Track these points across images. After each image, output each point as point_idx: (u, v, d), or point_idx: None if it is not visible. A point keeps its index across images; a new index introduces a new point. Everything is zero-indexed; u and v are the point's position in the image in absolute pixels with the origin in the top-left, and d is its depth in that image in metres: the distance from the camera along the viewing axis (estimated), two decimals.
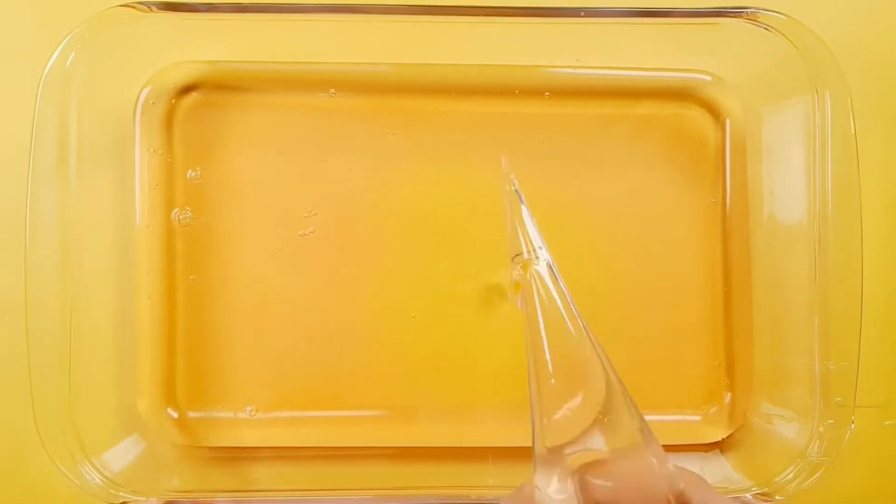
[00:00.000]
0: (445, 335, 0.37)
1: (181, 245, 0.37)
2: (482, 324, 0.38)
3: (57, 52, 0.33)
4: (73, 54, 0.33)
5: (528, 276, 0.25)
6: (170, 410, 0.37)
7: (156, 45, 0.36)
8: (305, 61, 0.37)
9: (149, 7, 0.33)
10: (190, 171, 0.37)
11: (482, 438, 0.37)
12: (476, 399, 0.38)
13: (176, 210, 0.37)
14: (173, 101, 0.37)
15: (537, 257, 0.27)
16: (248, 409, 0.37)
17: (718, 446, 0.37)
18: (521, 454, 0.37)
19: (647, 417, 0.38)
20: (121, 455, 0.35)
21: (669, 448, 0.37)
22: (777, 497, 0.34)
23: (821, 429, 0.34)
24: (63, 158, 0.33)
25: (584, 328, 0.22)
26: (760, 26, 0.34)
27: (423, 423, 0.37)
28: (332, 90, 0.37)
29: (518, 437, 0.38)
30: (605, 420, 0.21)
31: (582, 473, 0.20)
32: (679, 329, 0.38)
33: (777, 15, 0.34)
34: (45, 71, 0.33)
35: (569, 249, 0.38)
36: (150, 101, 0.37)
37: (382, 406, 0.38)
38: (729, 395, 0.38)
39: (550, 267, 0.26)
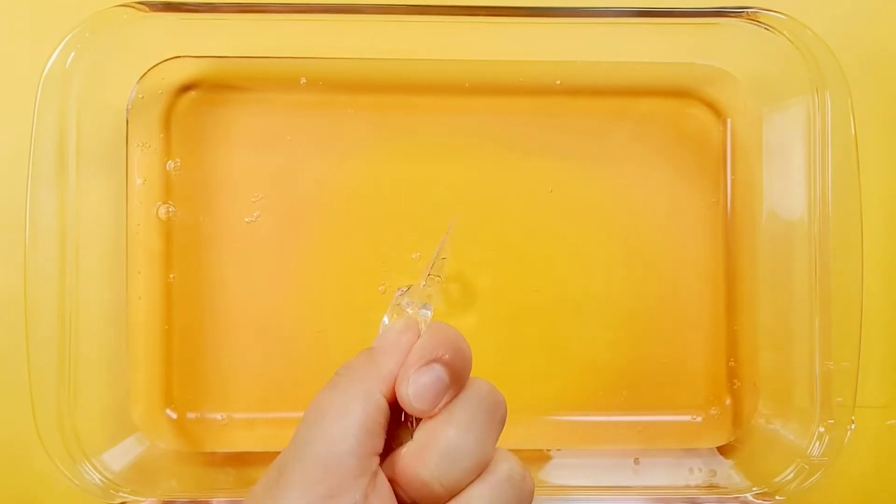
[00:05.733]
0: None
1: (165, 243, 0.37)
2: (483, 322, 0.38)
3: (56, 52, 0.33)
4: (72, 54, 0.33)
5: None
6: (168, 412, 0.37)
7: (155, 44, 0.36)
8: (300, 56, 0.37)
9: (147, 7, 0.33)
10: (170, 162, 0.37)
11: None
12: None
13: (159, 204, 0.37)
14: (162, 95, 0.37)
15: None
16: (247, 410, 0.37)
17: (719, 447, 0.37)
18: (522, 457, 0.37)
19: (647, 418, 0.38)
20: (120, 455, 0.35)
21: (670, 449, 0.37)
22: (777, 497, 0.34)
23: (821, 429, 0.34)
24: (63, 158, 0.33)
25: None
26: (761, 26, 0.34)
27: None
28: (306, 82, 0.37)
29: (516, 438, 0.38)
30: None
31: None
32: (680, 329, 0.38)
33: (778, 15, 0.34)
34: (45, 71, 0.33)
35: (569, 248, 0.38)
36: (140, 96, 0.37)
37: None
38: (730, 395, 0.38)
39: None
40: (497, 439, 0.24)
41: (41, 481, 0.36)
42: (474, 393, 0.24)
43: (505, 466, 0.23)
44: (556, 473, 0.37)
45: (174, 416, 0.37)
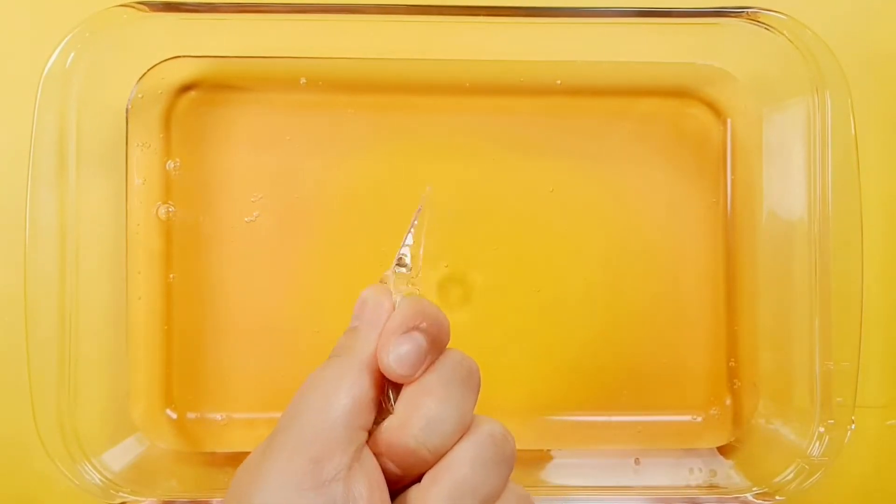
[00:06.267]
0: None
1: (165, 243, 0.37)
2: (483, 322, 0.38)
3: (57, 52, 0.33)
4: (72, 54, 0.33)
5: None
6: (168, 412, 0.37)
7: (155, 44, 0.36)
8: (300, 56, 0.37)
9: (147, 7, 0.33)
10: (170, 162, 0.37)
11: None
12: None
13: (159, 204, 0.37)
14: (162, 95, 0.37)
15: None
16: (247, 410, 0.37)
17: (719, 447, 0.37)
18: (521, 457, 0.37)
19: (647, 418, 0.38)
20: (120, 455, 0.35)
21: (670, 449, 0.37)
22: (777, 497, 0.34)
23: (821, 429, 0.34)
24: (63, 158, 0.33)
25: None
26: (761, 26, 0.34)
27: None
28: (306, 82, 0.37)
29: (516, 438, 0.38)
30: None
31: None
32: (680, 329, 0.38)
33: (778, 15, 0.34)
34: (45, 71, 0.33)
35: (569, 248, 0.38)
36: (140, 96, 0.37)
37: None
38: (730, 395, 0.38)
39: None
40: (474, 404, 0.25)
41: (41, 481, 0.36)
42: (448, 362, 0.25)
43: (486, 426, 0.25)
44: (556, 473, 0.37)
45: (174, 416, 0.37)
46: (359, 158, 0.38)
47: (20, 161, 0.33)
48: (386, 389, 0.26)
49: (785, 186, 0.36)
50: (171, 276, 0.37)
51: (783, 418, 0.36)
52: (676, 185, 0.38)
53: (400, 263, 0.28)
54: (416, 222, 0.29)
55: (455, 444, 0.24)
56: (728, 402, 0.38)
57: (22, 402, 0.32)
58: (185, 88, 0.37)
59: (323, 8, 0.34)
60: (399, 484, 0.24)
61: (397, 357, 0.24)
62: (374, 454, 0.24)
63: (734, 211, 0.38)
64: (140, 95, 0.36)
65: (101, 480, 0.33)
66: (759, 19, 0.34)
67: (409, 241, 0.29)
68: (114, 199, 0.36)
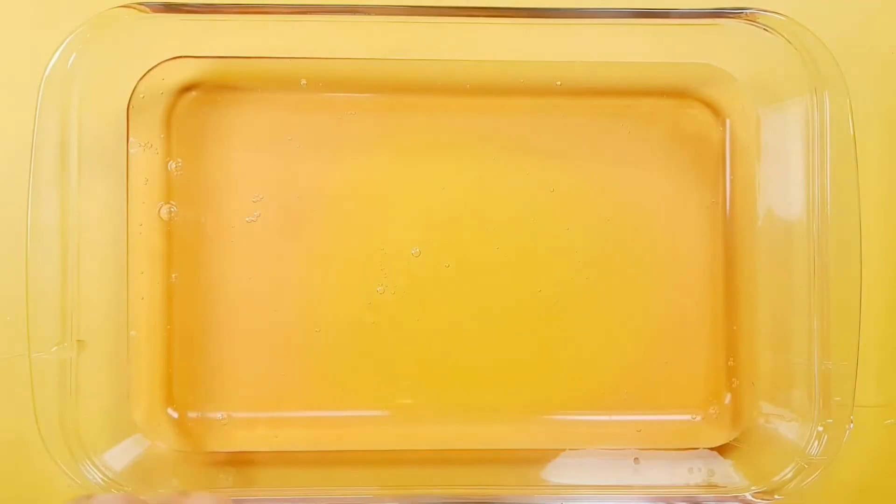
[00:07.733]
0: (451, 335, 0.38)
1: (167, 243, 0.37)
2: (483, 322, 0.38)
3: (58, 53, 0.33)
4: (74, 55, 0.33)
5: None
6: (170, 411, 0.37)
7: (156, 44, 0.36)
8: (300, 56, 0.37)
9: (148, 8, 0.33)
10: (171, 162, 0.37)
11: (483, 441, 0.38)
12: (476, 400, 0.38)
13: (161, 204, 0.37)
14: (163, 95, 0.37)
15: None
16: (247, 409, 0.37)
17: (719, 446, 0.38)
18: (521, 457, 0.37)
19: (646, 418, 0.38)
20: (121, 455, 0.35)
21: (670, 448, 0.37)
22: (776, 496, 0.34)
23: (820, 428, 0.34)
24: (64, 159, 0.33)
25: None
26: (760, 27, 0.34)
27: (425, 424, 0.38)
28: (306, 83, 0.38)
29: (516, 438, 0.38)
30: None
31: None
32: (679, 329, 0.38)
33: (777, 16, 0.34)
34: (47, 72, 0.33)
35: (568, 247, 0.38)
36: (141, 96, 0.37)
37: (383, 406, 0.38)
38: (729, 395, 0.38)
39: None
40: None
41: (43, 481, 0.36)
42: None
43: None
44: (556, 473, 0.37)
45: (175, 415, 0.37)
46: (359, 158, 0.38)
47: (22, 162, 0.33)
48: None
49: (784, 186, 0.36)
50: (173, 275, 0.37)
51: (782, 418, 0.36)
52: (676, 185, 0.38)
53: None
54: None
55: None
56: (727, 401, 0.38)
57: (23, 402, 0.33)
58: (186, 89, 0.37)
59: (323, 8, 0.34)
60: None
61: None
62: None
63: (733, 211, 0.38)
64: (141, 96, 0.37)
65: (102, 480, 0.33)
66: (758, 20, 0.34)
67: None
68: (115, 200, 0.36)
